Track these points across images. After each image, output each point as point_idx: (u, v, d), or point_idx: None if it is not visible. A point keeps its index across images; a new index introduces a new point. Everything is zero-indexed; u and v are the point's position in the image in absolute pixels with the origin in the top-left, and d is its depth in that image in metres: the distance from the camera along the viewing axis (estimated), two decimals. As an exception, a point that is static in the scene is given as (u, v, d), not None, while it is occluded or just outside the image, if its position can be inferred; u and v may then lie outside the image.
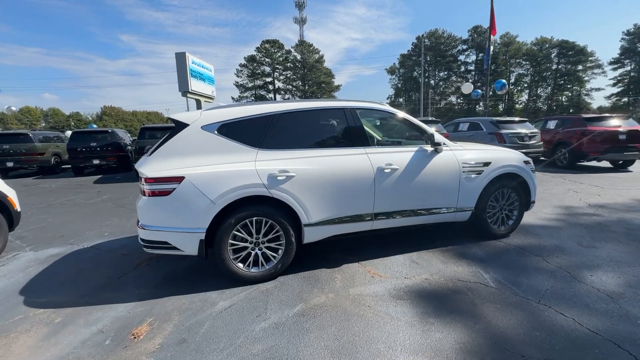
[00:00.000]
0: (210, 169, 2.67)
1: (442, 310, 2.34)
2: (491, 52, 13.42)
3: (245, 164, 2.75)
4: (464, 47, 52.98)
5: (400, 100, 58.92)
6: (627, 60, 48.49)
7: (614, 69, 49.89)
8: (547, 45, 50.61)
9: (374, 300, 2.50)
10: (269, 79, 56.22)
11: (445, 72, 55.45)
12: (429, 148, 3.33)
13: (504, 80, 15.33)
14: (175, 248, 2.68)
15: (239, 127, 2.87)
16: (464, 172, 3.39)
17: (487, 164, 3.49)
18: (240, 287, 2.78)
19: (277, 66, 56.21)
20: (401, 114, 3.43)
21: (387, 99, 60.62)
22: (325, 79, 56.07)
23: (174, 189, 2.58)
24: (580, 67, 49.48)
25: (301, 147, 2.98)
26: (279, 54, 55.75)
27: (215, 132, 2.79)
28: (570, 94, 53.21)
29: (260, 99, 56.68)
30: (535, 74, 52.60)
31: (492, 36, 12.39)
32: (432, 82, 55.66)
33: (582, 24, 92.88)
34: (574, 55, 48.31)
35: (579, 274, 2.80)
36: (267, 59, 55.43)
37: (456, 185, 3.39)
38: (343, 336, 2.09)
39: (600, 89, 52.58)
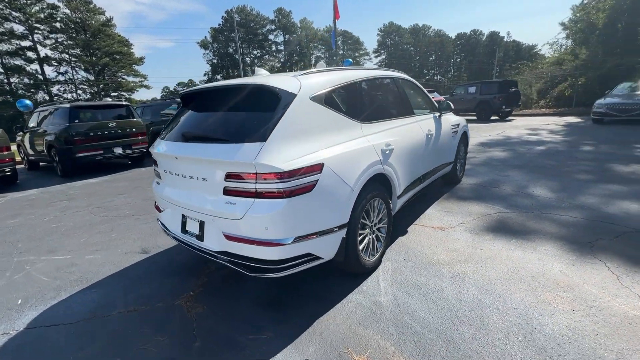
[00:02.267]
0: (338, 149, 2.15)
1: (516, 234, 3.06)
2: (337, 36, 15.27)
3: (360, 140, 2.38)
4: (272, 27, 56.09)
5: (219, 77, 56.37)
6: (383, 51, 66.48)
7: (376, 57, 67.34)
8: (334, 33, 61.40)
9: (475, 244, 2.92)
10: (25, 43, 39.66)
11: (259, 51, 57.24)
12: (437, 114, 3.89)
13: (350, 60, 18.27)
14: (316, 258, 2.05)
15: (339, 97, 2.39)
16: (452, 132, 4.20)
17: (458, 125, 4.44)
18: (363, 278, 2.49)
19: (38, 26, 40.25)
20: (418, 84, 3.77)
21: (205, 75, 56.62)
22: (120, 48, 45.30)
23: (317, 181, 1.94)
24: (357, 54, 63.48)
25: (381, 118, 2.82)
26: (37, 7, 39.87)
27: (324, 103, 2.21)
28: (352, 75, 67.61)
29: (14, 70, 39.42)
30: (329, 57, 63.06)
31: (336, 20, 14.14)
32: (247, 59, 56.18)
33: (357, 16, 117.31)
34: (353, 44, 61.28)
35: (528, 192, 4.26)
36: (15, 14, 38.44)
37: (449, 143, 4.16)
38: (507, 274, 2.42)
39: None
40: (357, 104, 2.53)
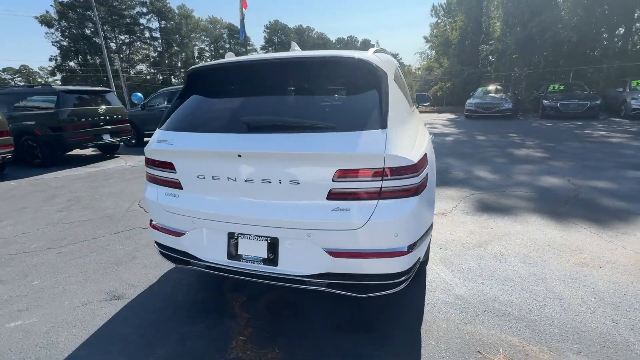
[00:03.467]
0: (421, 137, 1.95)
1: (502, 211, 3.49)
2: (244, 26, 14.15)
3: (421, 127, 2.23)
4: (144, 10, 48.36)
5: (73, 64, 45.36)
6: (270, 48, 66.45)
7: (265, 53, 66.79)
8: (219, 25, 57.71)
9: (482, 224, 3.18)
10: None
11: (127, 36, 48.51)
12: (416, 105, 4.06)
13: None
14: (418, 262, 1.80)
15: (399, 80, 2.16)
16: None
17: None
18: (422, 275, 2.38)
19: None
20: (404, 76, 3.82)
21: (51, 60, 44.54)
22: None
23: (427, 173, 1.70)
24: (244, 50, 61.45)
25: (414, 104, 2.73)
26: None
27: (397, 84, 1.95)
28: (241, 71, 65.31)
29: None
30: (215, 51, 59.06)
31: (243, 9, 13.07)
32: (112, 45, 46.91)
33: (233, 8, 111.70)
34: (238, 38, 58.99)
35: (477, 175, 4.94)
36: None
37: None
38: (530, 246, 2.71)
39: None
40: (405, 88, 2.36)
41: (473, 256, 2.60)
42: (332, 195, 1.49)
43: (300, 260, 1.59)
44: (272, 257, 1.63)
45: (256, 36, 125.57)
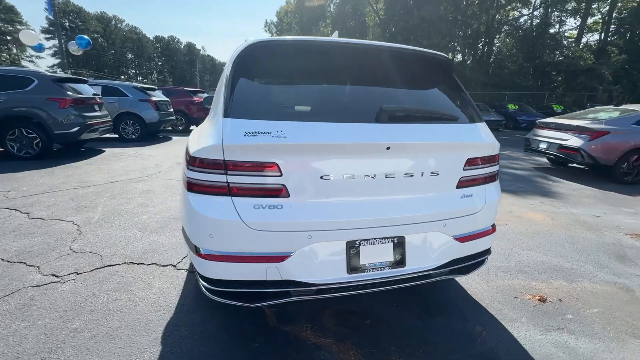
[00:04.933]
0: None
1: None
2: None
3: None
4: None
5: None
6: (63, 34, 51.15)
7: (47, 39, 50.87)
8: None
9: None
10: None
11: None
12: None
13: (86, 37, 14.63)
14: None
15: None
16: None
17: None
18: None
19: None
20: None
21: None
22: None
23: None
24: (12, 28, 44.53)
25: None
26: None
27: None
28: (8, 55, 47.05)
29: None
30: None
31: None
32: None
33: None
34: (4, 12, 42.34)
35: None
36: None
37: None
38: (463, 218, 3.59)
39: (41, 57, 51.66)
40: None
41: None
42: (461, 183, 1.56)
43: (428, 253, 1.55)
44: (400, 258, 1.50)
45: (36, 16, 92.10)
